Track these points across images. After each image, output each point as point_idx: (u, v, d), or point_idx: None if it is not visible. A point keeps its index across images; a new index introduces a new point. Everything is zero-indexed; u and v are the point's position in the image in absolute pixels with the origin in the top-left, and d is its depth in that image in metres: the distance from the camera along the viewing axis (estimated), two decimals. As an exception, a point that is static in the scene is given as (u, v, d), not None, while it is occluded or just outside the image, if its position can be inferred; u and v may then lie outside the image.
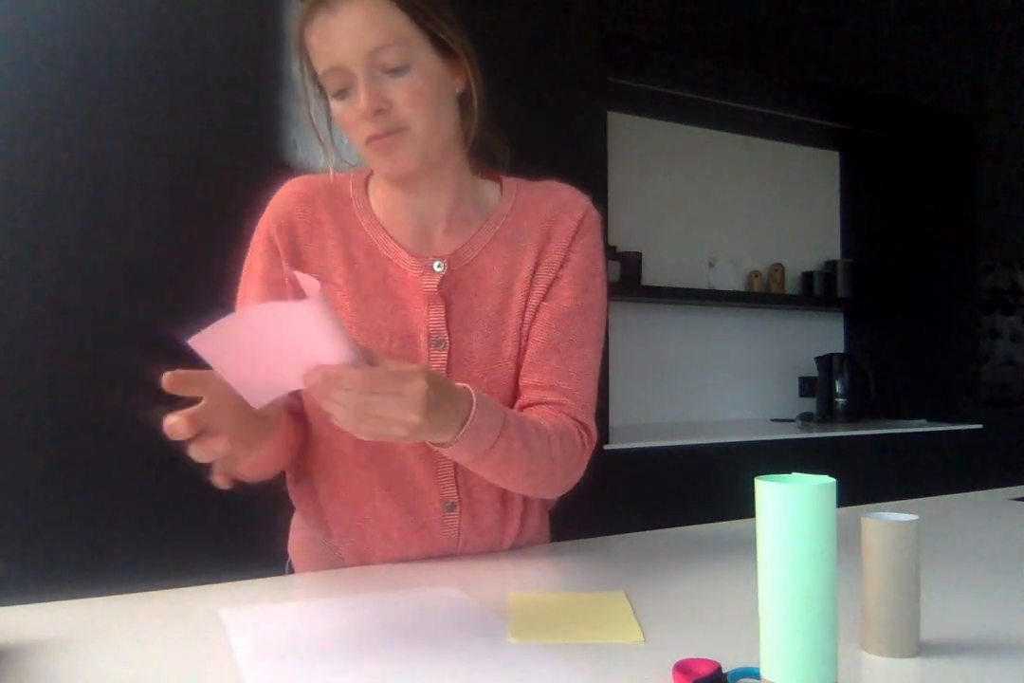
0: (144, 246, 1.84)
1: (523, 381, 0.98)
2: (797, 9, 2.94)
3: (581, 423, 0.97)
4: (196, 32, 1.96)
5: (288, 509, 1.07)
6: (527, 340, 0.99)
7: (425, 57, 0.89)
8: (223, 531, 1.86)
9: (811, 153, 3.61)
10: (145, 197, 1.87)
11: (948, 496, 1.42)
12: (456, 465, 0.96)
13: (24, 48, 1.80)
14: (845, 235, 3.68)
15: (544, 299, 0.99)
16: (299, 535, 1.07)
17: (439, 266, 0.97)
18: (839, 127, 3.33)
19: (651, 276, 3.10)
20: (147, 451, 1.94)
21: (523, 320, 0.99)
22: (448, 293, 0.97)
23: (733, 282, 3.31)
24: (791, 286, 3.49)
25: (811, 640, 0.52)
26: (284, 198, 1.00)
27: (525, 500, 1.03)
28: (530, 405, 0.96)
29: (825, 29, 3.01)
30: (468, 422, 0.78)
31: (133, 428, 1.88)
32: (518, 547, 1.04)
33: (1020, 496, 1.40)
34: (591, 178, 2.44)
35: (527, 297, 0.99)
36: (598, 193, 2.50)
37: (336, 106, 0.90)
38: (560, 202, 1.02)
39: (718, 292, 3.17)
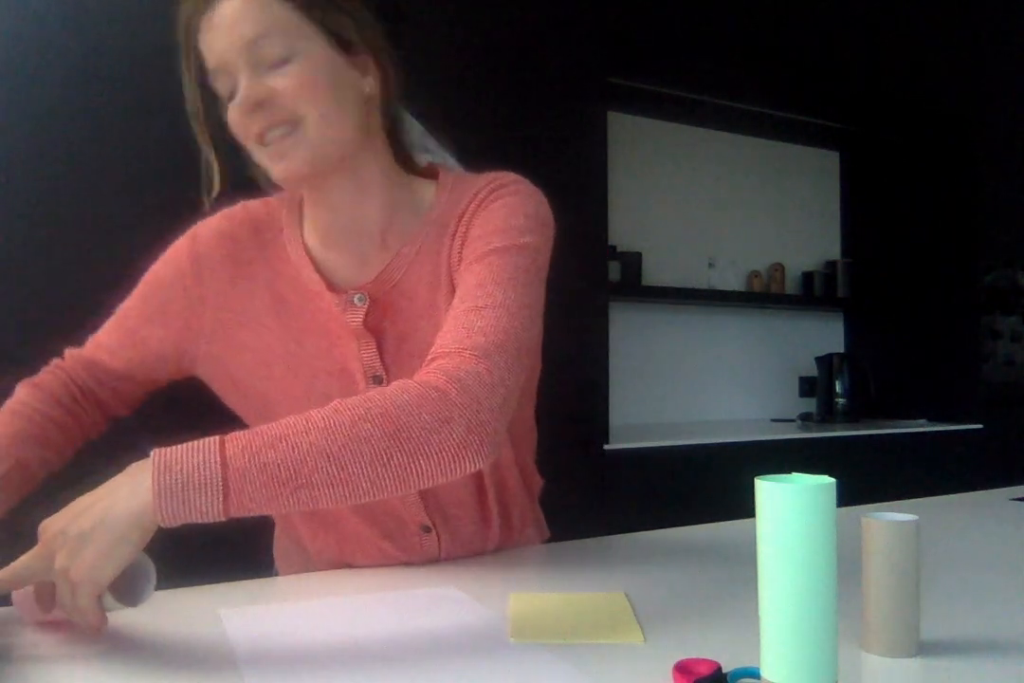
0: (144, 246, 1.83)
1: None
2: (797, 9, 2.94)
3: (450, 353, 0.74)
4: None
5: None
6: None
7: (315, 50, 0.81)
8: (223, 531, 1.86)
9: (811, 153, 3.61)
10: (145, 197, 1.87)
11: (948, 496, 1.42)
12: (421, 492, 0.91)
13: (24, 48, 1.80)
14: (845, 235, 3.68)
15: (453, 273, 0.87)
16: (281, 543, 1.06)
17: (360, 299, 0.87)
18: (839, 127, 3.33)
19: (651, 276, 3.10)
20: (147, 451, 1.94)
21: None
22: (377, 324, 0.88)
23: (733, 282, 3.31)
24: (791, 286, 3.49)
25: (811, 640, 0.52)
26: (206, 233, 0.94)
27: (503, 505, 0.99)
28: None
29: (825, 29, 3.00)
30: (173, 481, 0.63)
31: (132, 427, 1.88)
32: (505, 547, 1.03)
33: (1020, 496, 1.40)
34: (591, 178, 2.44)
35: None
36: (598, 193, 2.51)
37: (229, 111, 0.82)
38: (475, 189, 0.89)
39: (718, 292, 3.17)
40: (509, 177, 0.91)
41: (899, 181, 3.44)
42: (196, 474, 0.62)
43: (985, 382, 3.19)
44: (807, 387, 3.45)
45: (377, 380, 0.89)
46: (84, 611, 0.63)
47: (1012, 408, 3.24)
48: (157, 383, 0.99)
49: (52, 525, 0.66)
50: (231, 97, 0.82)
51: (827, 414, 3.31)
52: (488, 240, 0.84)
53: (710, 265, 3.29)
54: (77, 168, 1.84)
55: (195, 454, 0.64)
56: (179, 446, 0.65)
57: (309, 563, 1.00)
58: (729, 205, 3.38)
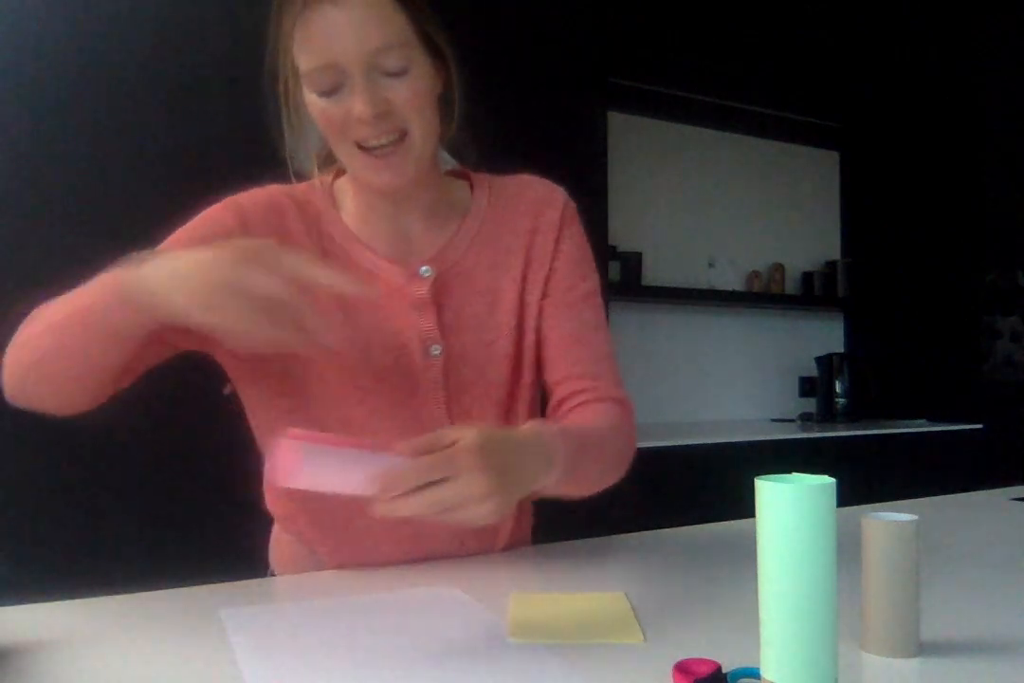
0: (143, 247, 1.83)
1: (551, 377, 0.97)
2: (797, 9, 2.94)
3: (618, 400, 0.96)
4: (196, 32, 1.95)
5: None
6: (539, 337, 0.98)
7: (423, 62, 0.85)
8: (223, 531, 1.86)
9: (811, 153, 3.61)
10: (145, 197, 1.87)
11: (948, 496, 1.42)
12: None
13: (24, 48, 1.80)
14: (845, 235, 3.68)
15: (545, 295, 0.98)
16: (284, 550, 1.03)
17: (427, 271, 0.93)
18: (839, 127, 3.33)
19: (651, 276, 3.10)
20: (147, 451, 1.94)
21: (520, 318, 0.97)
22: (437, 297, 0.94)
23: (733, 282, 3.31)
24: (791, 286, 3.49)
25: (811, 640, 0.52)
26: (252, 202, 0.92)
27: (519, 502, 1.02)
28: (566, 398, 0.95)
29: (825, 29, 3.01)
30: (558, 464, 0.76)
31: (133, 427, 1.88)
32: (512, 547, 1.03)
33: (1020, 496, 1.40)
34: (591, 178, 2.44)
35: (521, 294, 0.97)
36: (598, 193, 2.51)
37: (319, 103, 0.84)
38: (539, 196, 1.00)
39: (718, 292, 3.17)
40: (563, 190, 1.02)
41: (899, 181, 3.44)
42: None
43: (985, 382, 3.19)
44: (807, 387, 3.45)
45: (433, 351, 0.92)
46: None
47: (1012, 408, 3.24)
48: (175, 349, 0.92)
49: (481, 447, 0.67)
50: (327, 93, 0.83)
51: (827, 414, 3.31)
52: (583, 275, 1.00)
53: (710, 265, 3.29)
54: (77, 168, 1.84)
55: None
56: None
57: (317, 567, 0.98)
58: (729, 205, 3.38)
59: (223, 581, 0.89)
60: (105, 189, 1.86)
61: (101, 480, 1.84)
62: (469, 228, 0.97)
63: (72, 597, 0.82)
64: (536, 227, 0.99)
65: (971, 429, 3.11)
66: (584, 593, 0.83)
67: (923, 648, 0.66)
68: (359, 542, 0.95)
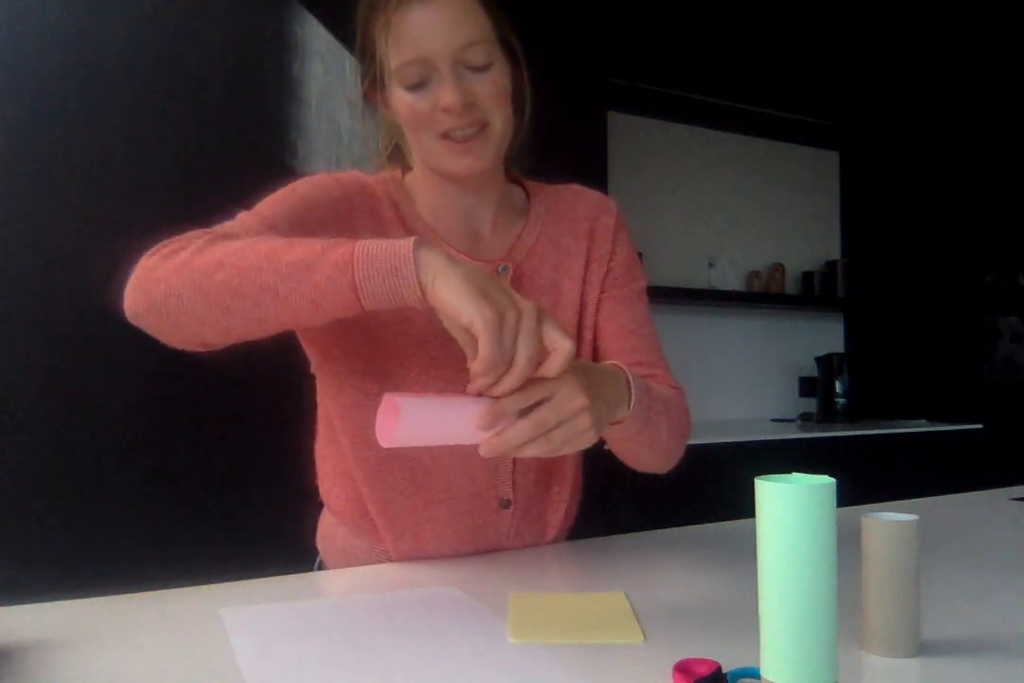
0: (143, 247, 1.83)
1: None
2: (797, 9, 2.94)
3: (676, 387, 1.02)
4: (196, 32, 1.95)
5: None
6: (595, 331, 1.04)
7: (503, 59, 0.91)
8: (223, 531, 1.86)
9: (811, 153, 3.61)
10: (144, 197, 1.87)
11: (948, 496, 1.42)
12: (514, 462, 0.99)
13: (24, 48, 1.80)
14: (845, 235, 3.68)
15: (603, 291, 1.04)
16: (337, 544, 1.04)
17: (505, 269, 0.98)
18: (839, 127, 3.33)
19: (651, 276, 3.10)
20: (147, 451, 1.94)
21: (580, 316, 1.02)
22: None
23: (733, 282, 3.31)
24: (791, 286, 3.49)
25: (811, 640, 0.52)
26: (349, 180, 0.95)
27: (571, 492, 1.06)
28: None
29: (825, 29, 3.01)
30: (633, 396, 0.80)
31: (133, 428, 1.88)
32: (559, 540, 1.07)
33: (1020, 496, 1.40)
34: (591, 178, 2.44)
35: (582, 294, 1.03)
36: (598, 193, 2.50)
37: (406, 97, 0.89)
38: (592, 203, 1.08)
39: (718, 292, 3.17)
40: (611, 200, 1.11)
41: (899, 181, 3.44)
42: None
43: (985, 382, 3.19)
44: (807, 387, 3.45)
45: None
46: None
47: (1012, 408, 3.24)
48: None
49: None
50: (414, 87, 0.88)
51: (827, 414, 3.31)
52: (634, 275, 1.08)
53: (710, 265, 3.29)
54: (77, 168, 1.84)
55: None
56: None
57: (375, 559, 1.01)
58: (729, 205, 3.38)
59: (223, 581, 0.89)
60: (106, 189, 1.86)
61: (101, 480, 1.84)
62: (531, 230, 1.03)
63: (72, 597, 0.82)
64: (593, 231, 1.05)
65: (971, 429, 3.11)
66: (584, 593, 0.83)
67: (923, 648, 0.66)
68: (423, 533, 0.98)
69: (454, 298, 0.65)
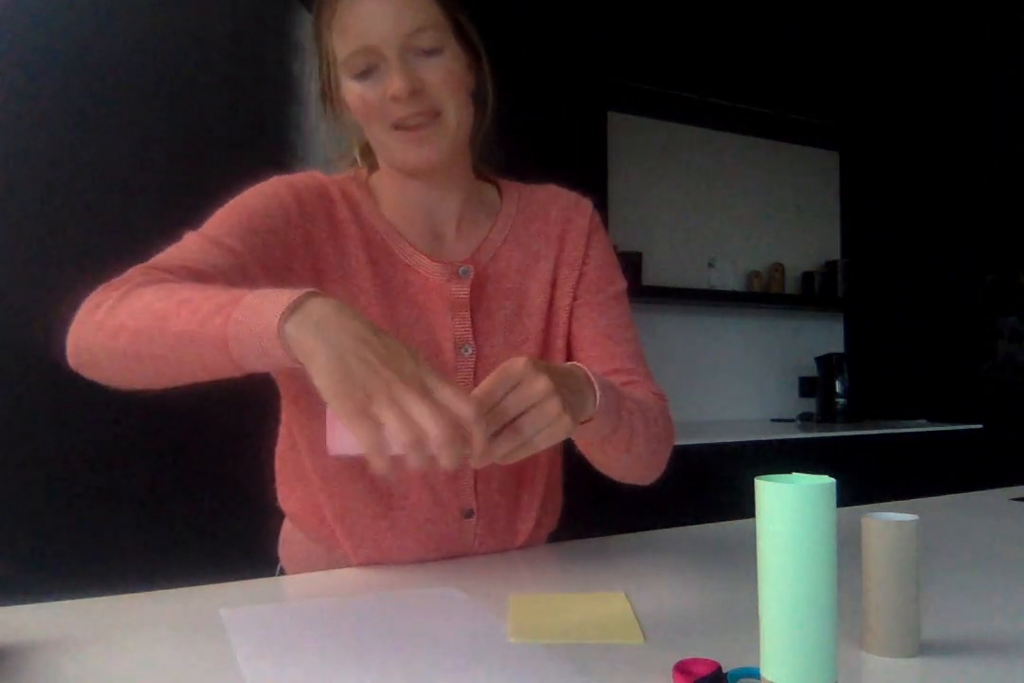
0: (143, 247, 1.83)
1: None
2: (797, 9, 2.94)
3: (656, 394, 0.97)
4: (196, 32, 1.95)
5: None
6: (570, 340, 1.00)
7: (455, 47, 0.89)
8: (223, 531, 1.86)
9: (811, 153, 3.61)
10: (142, 197, 1.87)
11: (948, 496, 1.42)
12: (476, 472, 0.96)
13: (24, 48, 1.80)
14: (845, 235, 3.68)
15: (575, 298, 1.00)
16: (296, 548, 1.03)
17: (466, 271, 0.95)
18: (839, 127, 3.33)
19: (651, 276, 3.11)
20: (147, 451, 1.94)
21: (547, 323, 0.99)
22: (473, 298, 0.96)
23: (733, 282, 3.32)
24: (791, 286, 3.49)
25: (811, 640, 0.52)
26: (303, 184, 0.93)
27: (542, 500, 1.02)
28: None
29: (825, 29, 3.01)
30: (596, 391, 0.74)
31: (133, 428, 1.88)
32: (531, 545, 1.04)
33: (1020, 496, 1.40)
34: (591, 178, 2.44)
35: (551, 299, 0.99)
36: (598, 193, 2.50)
37: (355, 88, 0.87)
38: (566, 204, 1.03)
39: (718, 292, 3.17)
40: (586, 201, 1.05)
41: (899, 181, 3.44)
42: None
43: (985, 382, 3.19)
44: (807, 387, 3.45)
45: (465, 351, 0.94)
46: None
47: (1012, 408, 3.24)
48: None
49: None
50: (361, 76, 0.86)
51: (827, 414, 3.31)
52: (611, 277, 1.03)
53: (710, 265, 3.29)
54: (77, 168, 1.84)
55: None
56: None
57: (336, 565, 0.98)
58: (729, 205, 3.39)
59: (223, 581, 0.89)
60: (105, 189, 1.86)
61: (101, 480, 1.84)
62: (499, 231, 1.00)
63: (72, 597, 0.82)
64: (565, 234, 1.01)
65: (971, 429, 3.11)
66: (584, 593, 0.83)
67: (923, 648, 0.66)
68: (383, 541, 0.96)
69: (323, 384, 0.60)
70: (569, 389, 0.69)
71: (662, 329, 3.18)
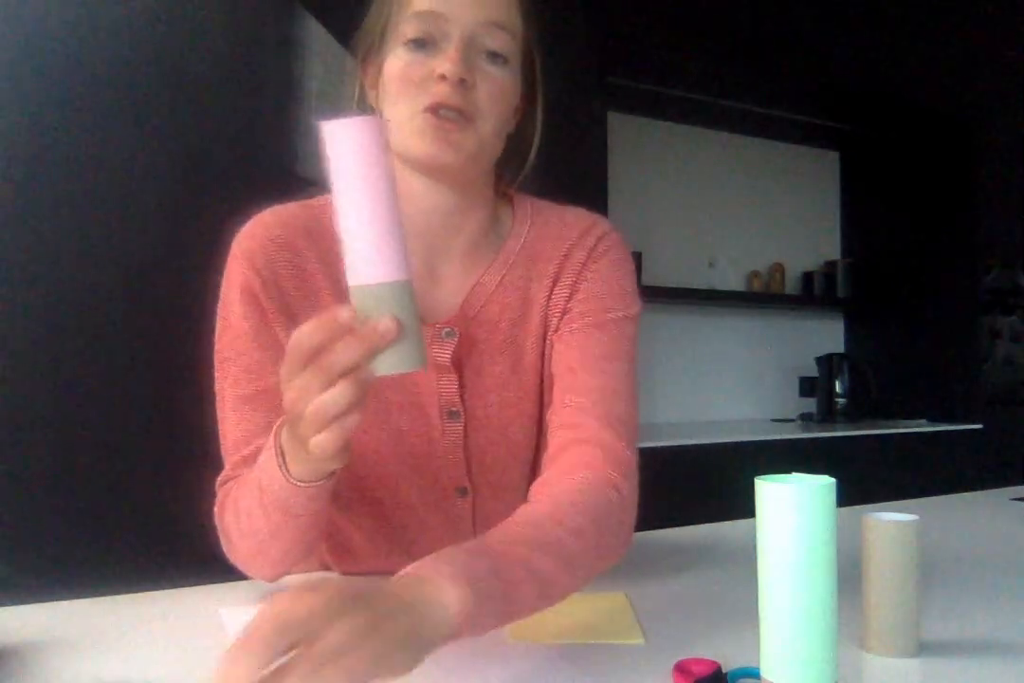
0: (143, 247, 1.84)
1: (547, 422, 0.85)
2: (797, 9, 2.94)
3: (603, 445, 0.78)
4: (197, 33, 1.95)
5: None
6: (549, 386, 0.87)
7: (517, 64, 0.82)
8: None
9: (811, 153, 3.61)
10: (143, 197, 1.86)
11: (948, 496, 1.42)
12: (474, 518, 0.90)
13: (23, 48, 1.80)
14: (845, 235, 3.68)
15: (555, 331, 0.87)
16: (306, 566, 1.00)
17: (448, 334, 0.83)
18: (838, 127, 3.33)
19: (651, 276, 3.10)
20: (147, 451, 1.94)
21: (542, 375, 0.88)
22: (459, 359, 0.85)
23: (733, 282, 3.31)
24: (791, 286, 3.49)
25: (811, 640, 0.52)
26: (262, 244, 0.83)
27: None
28: (556, 453, 0.80)
29: (825, 29, 3.01)
30: (450, 605, 0.53)
31: (133, 428, 1.88)
32: None
33: (1020, 496, 1.40)
34: (591, 178, 2.44)
35: (541, 356, 0.87)
36: (598, 193, 2.51)
37: (403, 55, 0.78)
38: (570, 234, 0.89)
39: (718, 292, 3.17)
40: (606, 224, 0.91)
41: (899, 181, 3.44)
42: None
43: (985, 382, 3.19)
44: (807, 387, 3.45)
45: (453, 415, 0.85)
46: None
47: (1012, 408, 3.24)
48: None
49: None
50: (415, 43, 0.78)
51: (827, 414, 3.31)
52: (606, 305, 0.86)
53: (710, 265, 3.29)
54: (77, 168, 1.84)
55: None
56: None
57: (311, 567, 0.98)
58: (729, 205, 3.38)
59: (223, 581, 0.89)
60: (105, 188, 1.86)
61: (101, 480, 1.84)
62: (497, 270, 0.87)
63: (72, 597, 0.82)
64: (569, 253, 0.88)
65: (971, 429, 3.11)
66: (584, 593, 0.83)
67: (923, 648, 0.66)
68: (393, 533, 0.91)
69: None
70: (395, 622, 0.50)
71: (662, 329, 3.18)
